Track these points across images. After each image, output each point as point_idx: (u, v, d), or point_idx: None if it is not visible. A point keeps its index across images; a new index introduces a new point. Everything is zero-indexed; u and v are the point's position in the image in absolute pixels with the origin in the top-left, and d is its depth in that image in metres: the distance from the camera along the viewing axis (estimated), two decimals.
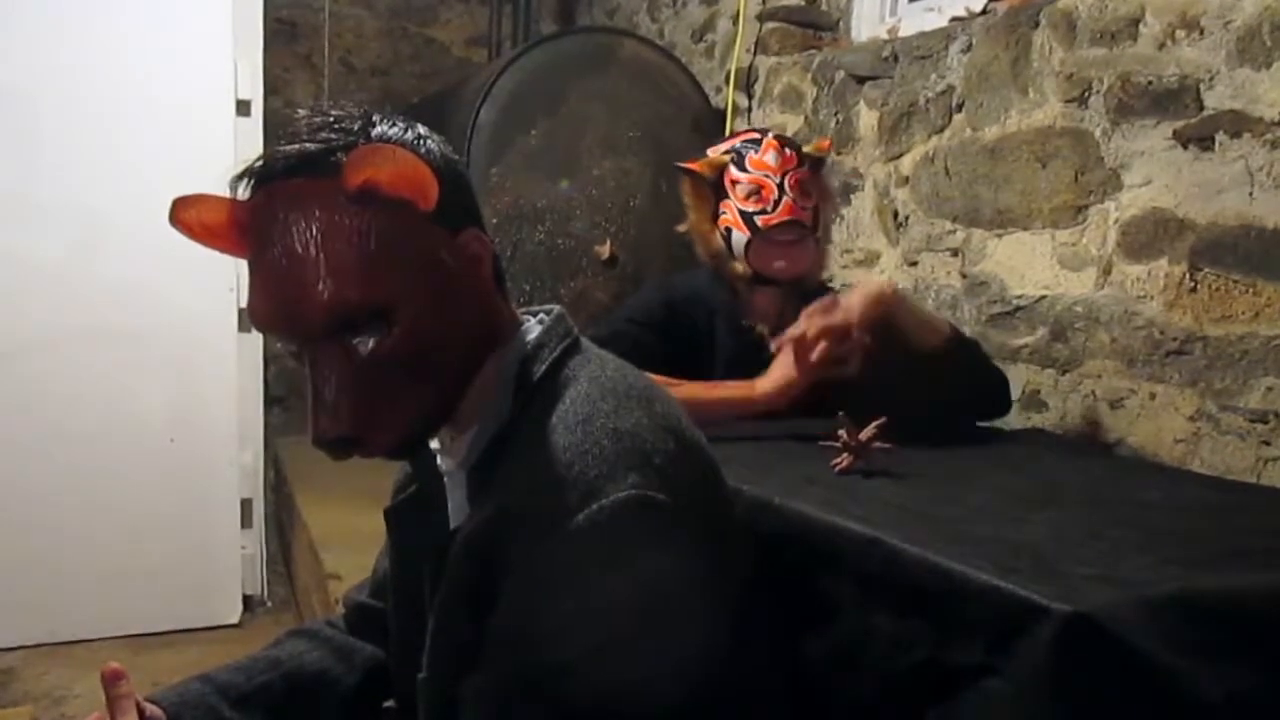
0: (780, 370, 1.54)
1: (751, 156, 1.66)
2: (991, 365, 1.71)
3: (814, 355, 1.48)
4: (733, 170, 1.67)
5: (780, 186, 1.63)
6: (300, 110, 0.89)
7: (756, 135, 1.70)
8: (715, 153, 1.72)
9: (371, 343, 0.84)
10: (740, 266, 1.67)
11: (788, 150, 1.67)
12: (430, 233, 0.86)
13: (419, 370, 0.86)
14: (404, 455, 0.95)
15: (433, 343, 0.86)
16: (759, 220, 1.63)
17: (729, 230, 1.67)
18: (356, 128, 0.86)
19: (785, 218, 1.63)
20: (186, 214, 0.87)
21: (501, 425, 0.90)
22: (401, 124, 0.89)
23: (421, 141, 0.89)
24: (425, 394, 0.87)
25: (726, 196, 1.67)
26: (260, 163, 0.85)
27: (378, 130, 0.87)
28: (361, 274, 0.82)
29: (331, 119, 0.86)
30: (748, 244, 1.65)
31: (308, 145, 0.83)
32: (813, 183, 1.70)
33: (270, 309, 0.84)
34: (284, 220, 0.82)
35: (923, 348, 1.58)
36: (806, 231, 1.66)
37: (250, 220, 0.85)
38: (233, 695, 1.05)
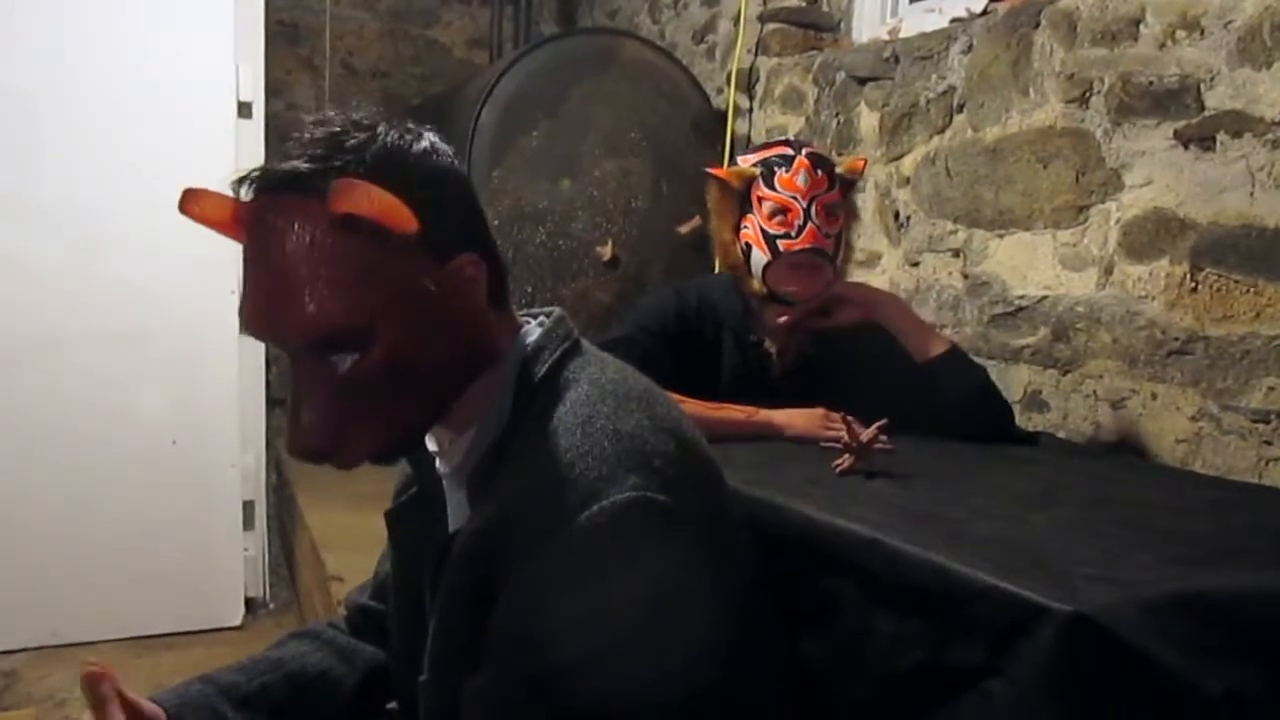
0: (803, 422, 1.58)
1: (781, 175, 1.62)
2: (995, 394, 1.68)
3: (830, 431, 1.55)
4: (761, 186, 1.63)
5: (806, 212, 1.59)
6: (308, 118, 0.88)
7: (789, 151, 1.64)
8: (745, 162, 1.68)
9: (349, 362, 0.84)
10: (756, 284, 1.66)
11: (819, 171, 1.62)
12: (414, 260, 0.85)
13: (394, 391, 0.86)
14: (383, 464, 0.95)
15: (409, 366, 0.86)
16: (781, 244, 1.60)
17: (749, 246, 1.64)
18: (356, 143, 0.85)
19: (807, 245, 1.60)
20: (193, 207, 0.88)
21: (501, 428, 0.90)
22: (411, 135, 0.88)
23: (428, 157, 0.88)
24: (400, 414, 0.88)
25: (751, 210, 1.64)
26: (258, 173, 0.85)
27: (383, 143, 0.85)
28: (339, 296, 0.82)
29: (336, 131, 0.85)
30: (766, 265, 1.63)
31: (300, 164, 0.84)
32: (839, 205, 1.65)
33: (255, 318, 0.86)
34: (273, 233, 0.83)
35: (918, 354, 1.64)
36: (825, 259, 1.63)
37: (248, 222, 0.86)
38: (234, 696, 1.06)
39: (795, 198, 1.60)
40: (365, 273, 0.83)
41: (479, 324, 0.91)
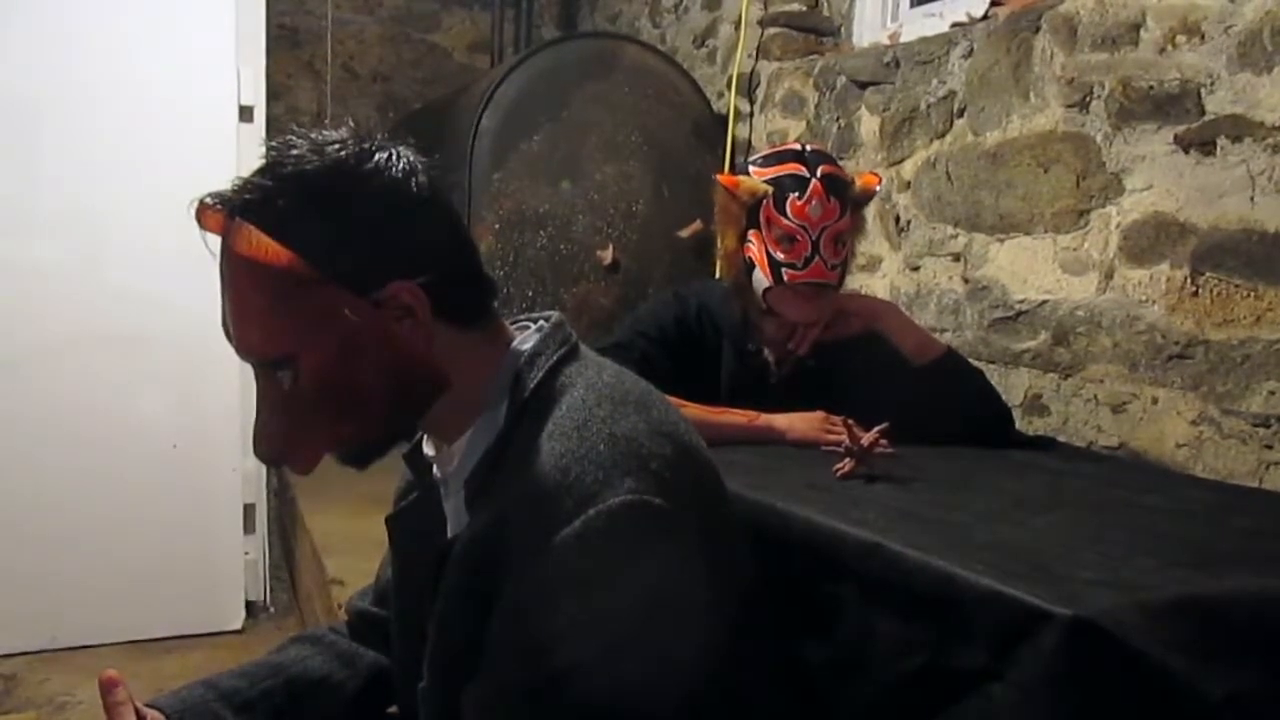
0: (804, 426, 1.57)
1: (794, 201, 1.55)
2: (993, 395, 1.67)
3: (832, 436, 1.51)
4: (771, 207, 1.57)
5: (815, 244, 1.55)
6: (275, 142, 0.88)
7: (804, 172, 1.56)
8: (758, 174, 1.61)
9: (289, 380, 0.87)
10: (757, 300, 1.64)
11: (832, 199, 1.56)
12: (325, 293, 0.85)
13: (331, 410, 0.88)
14: (352, 466, 0.95)
15: (340, 390, 0.87)
16: (785, 274, 1.57)
17: (752, 263, 1.61)
18: (286, 171, 0.85)
19: (811, 279, 1.57)
20: (202, 222, 0.89)
21: (496, 433, 0.90)
22: (360, 153, 0.87)
23: (369, 180, 0.86)
24: (343, 429, 0.90)
25: (758, 227, 1.59)
26: (227, 191, 0.87)
27: (323, 162, 0.85)
28: (258, 325, 0.86)
29: (288, 153, 0.86)
30: (768, 289, 1.60)
31: (238, 194, 0.85)
32: (848, 233, 1.61)
33: (225, 331, 0.90)
34: (225, 252, 0.87)
35: (916, 359, 1.63)
36: (829, 289, 1.61)
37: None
38: (236, 701, 1.06)
39: (805, 227, 1.55)
40: (275, 304, 0.85)
41: (419, 351, 0.89)
